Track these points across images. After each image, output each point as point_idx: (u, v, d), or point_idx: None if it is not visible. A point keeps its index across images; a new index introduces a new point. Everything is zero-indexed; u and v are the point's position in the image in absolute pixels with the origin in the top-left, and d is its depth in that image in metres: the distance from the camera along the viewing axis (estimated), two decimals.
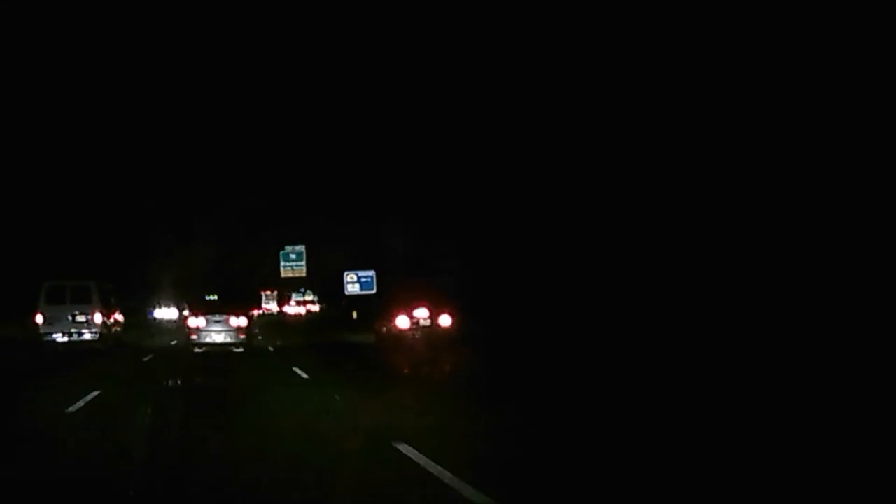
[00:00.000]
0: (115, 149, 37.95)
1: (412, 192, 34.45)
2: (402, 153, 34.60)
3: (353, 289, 40.50)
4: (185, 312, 35.96)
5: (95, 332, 21.44)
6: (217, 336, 21.10)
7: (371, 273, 40.06)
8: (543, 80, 23.98)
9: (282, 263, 55.51)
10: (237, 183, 46.88)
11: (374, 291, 38.61)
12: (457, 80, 27.20)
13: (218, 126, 43.81)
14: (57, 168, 34.78)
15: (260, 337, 28.84)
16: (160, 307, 41.49)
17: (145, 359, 19.47)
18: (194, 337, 21.25)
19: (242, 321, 21.75)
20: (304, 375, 14.37)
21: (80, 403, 10.36)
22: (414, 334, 20.98)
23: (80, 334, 21.36)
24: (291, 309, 73.40)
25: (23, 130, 31.16)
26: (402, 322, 21.20)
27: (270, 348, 24.17)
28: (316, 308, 68.33)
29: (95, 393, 11.34)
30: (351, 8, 29.01)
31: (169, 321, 42.31)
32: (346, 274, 40.56)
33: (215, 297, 35.73)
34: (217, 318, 21.40)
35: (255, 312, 51.78)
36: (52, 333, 21.26)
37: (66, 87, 32.73)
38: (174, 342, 26.63)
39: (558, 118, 23.94)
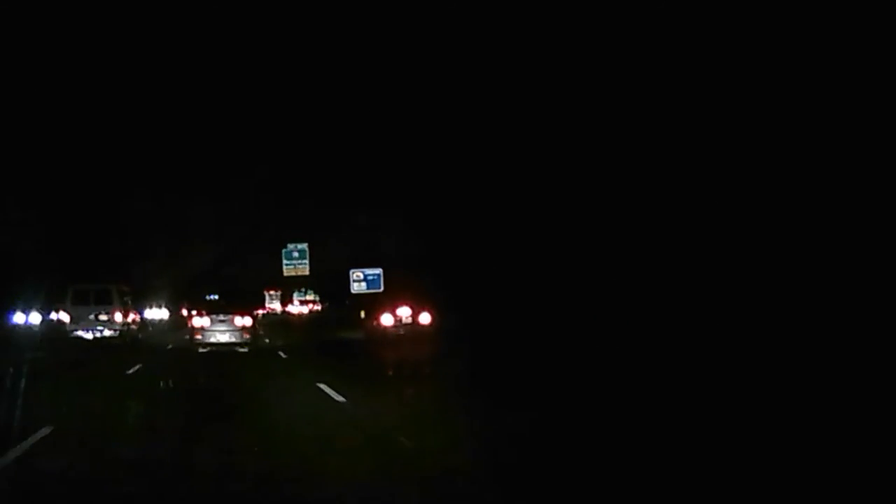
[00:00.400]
0: (114, 149, 36.59)
1: (404, 192, 33.81)
2: (401, 152, 33.17)
3: (359, 287, 38.14)
4: (185, 312, 34.74)
5: (115, 330, 23.75)
6: (222, 336, 21.17)
7: (378, 271, 37.84)
8: (535, 80, 23.09)
9: (284, 262, 53.60)
10: (238, 180, 45.33)
11: (381, 290, 36.38)
12: (455, 80, 26.17)
13: (218, 124, 42.26)
14: (55, 167, 33.49)
15: (267, 340, 26.60)
16: (151, 307, 40.09)
17: (129, 371, 15.66)
18: (199, 337, 21.33)
19: (247, 321, 21.76)
20: (339, 398, 10.63)
21: (17, 451, 6.81)
22: (397, 331, 22.57)
23: (102, 331, 23.69)
24: (294, 308, 74.28)
25: (21, 127, 29.71)
26: (387, 320, 23.03)
27: (281, 353, 21.03)
28: (318, 307, 67.65)
29: (45, 431, 7.78)
30: (352, 7, 26.88)
31: (160, 321, 40.80)
32: (352, 272, 38.23)
33: (216, 297, 33.74)
34: (221, 317, 21.44)
35: (260, 312, 50.14)
36: (77, 330, 23.72)
37: (65, 86, 31.67)
38: (170, 346, 24.34)
39: (543, 119, 23.11)
